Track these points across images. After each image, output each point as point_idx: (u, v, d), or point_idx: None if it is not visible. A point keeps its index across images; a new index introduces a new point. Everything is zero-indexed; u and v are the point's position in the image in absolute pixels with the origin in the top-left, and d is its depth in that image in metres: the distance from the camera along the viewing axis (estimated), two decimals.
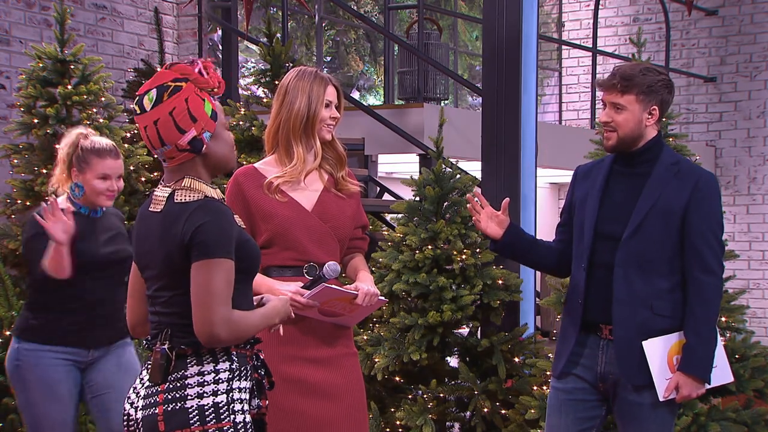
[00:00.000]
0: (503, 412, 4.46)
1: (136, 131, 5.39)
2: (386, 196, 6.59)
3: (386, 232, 5.35)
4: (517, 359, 4.58)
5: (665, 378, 3.13)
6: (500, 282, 4.58)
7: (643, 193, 3.19)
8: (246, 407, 2.46)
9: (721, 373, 3.25)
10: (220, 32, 9.06)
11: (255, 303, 2.59)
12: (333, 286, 3.08)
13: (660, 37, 9.72)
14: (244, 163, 4.43)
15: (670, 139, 4.65)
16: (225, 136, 2.54)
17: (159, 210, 2.46)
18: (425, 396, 4.51)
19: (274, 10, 10.97)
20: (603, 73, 9.95)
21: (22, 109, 5.29)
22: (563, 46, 10.26)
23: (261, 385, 2.55)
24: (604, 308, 3.20)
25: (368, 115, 6.33)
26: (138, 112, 2.46)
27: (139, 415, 2.43)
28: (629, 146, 3.22)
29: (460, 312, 4.44)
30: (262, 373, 2.56)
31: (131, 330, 2.66)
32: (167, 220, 2.42)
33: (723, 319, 4.45)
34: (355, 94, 13.41)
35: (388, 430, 4.58)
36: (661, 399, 3.11)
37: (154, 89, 2.44)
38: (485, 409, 4.42)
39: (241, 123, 5.55)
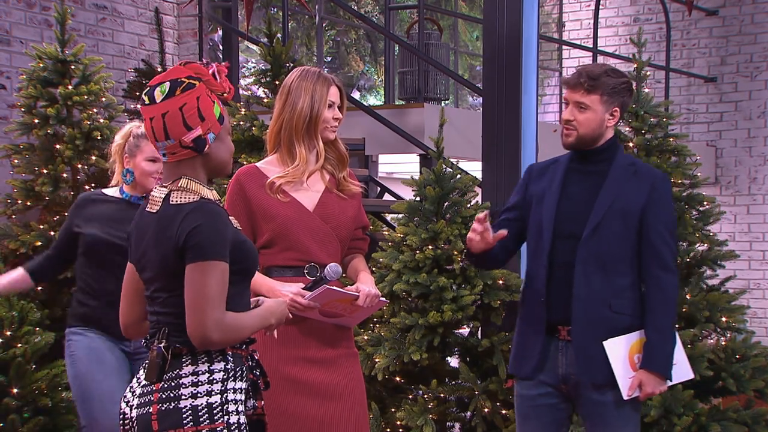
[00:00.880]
0: (504, 412, 4.46)
1: None
2: (387, 196, 6.59)
3: (387, 232, 5.35)
4: None
5: (628, 377, 3.15)
6: (501, 282, 4.58)
7: (601, 192, 3.23)
8: (241, 408, 2.46)
9: (681, 369, 3.27)
10: (220, 32, 9.07)
11: (252, 305, 2.59)
12: (334, 287, 3.08)
13: (660, 37, 9.72)
14: (245, 163, 4.43)
15: (671, 140, 4.65)
16: (227, 142, 2.56)
17: (155, 211, 2.47)
18: (426, 396, 4.51)
19: (275, 10, 10.97)
20: None
21: (22, 110, 5.28)
22: (564, 46, 10.26)
23: (256, 385, 2.55)
24: (563, 307, 3.22)
25: (369, 115, 6.33)
26: (147, 102, 2.45)
27: (134, 413, 2.44)
28: (587, 145, 3.26)
29: (461, 312, 4.44)
30: (258, 373, 2.56)
31: (123, 330, 2.66)
32: (162, 221, 2.43)
33: (723, 319, 4.45)
34: (356, 95, 13.41)
35: (388, 430, 4.58)
36: (625, 398, 3.14)
37: (168, 82, 2.44)
38: (486, 410, 4.42)
39: (241, 123, 5.55)
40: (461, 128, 6.22)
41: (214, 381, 2.43)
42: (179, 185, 2.46)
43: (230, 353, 2.47)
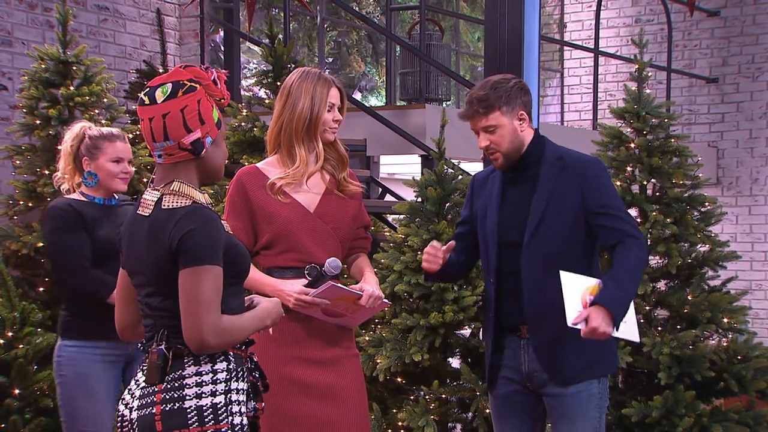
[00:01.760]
0: None
1: (138, 132, 5.38)
2: (388, 197, 6.59)
3: (388, 233, 5.35)
4: None
5: (576, 309, 3.07)
6: None
7: (535, 195, 3.23)
8: (243, 409, 2.46)
9: (629, 329, 3.15)
10: (222, 33, 9.07)
11: (246, 304, 2.58)
12: (338, 284, 3.08)
13: (662, 38, 9.71)
14: (246, 164, 4.43)
15: (673, 140, 4.65)
16: (223, 147, 2.57)
17: (147, 214, 2.46)
18: (427, 397, 4.51)
19: (276, 11, 10.97)
20: (605, 74, 9.95)
21: (24, 111, 5.29)
22: (565, 47, 10.26)
23: (256, 387, 2.55)
24: (518, 312, 3.24)
25: (370, 116, 6.32)
26: (147, 102, 2.45)
27: (134, 415, 2.43)
28: (516, 157, 3.26)
29: (462, 313, 4.44)
30: (257, 375, 2.56)
31: (120, 333, 2.65)
32: (154, 225, 2.42)
33: (725, 320, 4.45)
34: (357, 95, 13.41)
35: (390, 431, 4.58)
36: (569, 325, 3.03)
37: (170, 84, 2.44)
38: (487, 410, 4.42)
39: (242, 124, 5.55)
40: (462, 129, 6.19)
41: (218, 381, 2.42)
42: (172, 189, 2.45)
43: (232, 353, 2.47)
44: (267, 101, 5.62)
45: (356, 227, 3.30)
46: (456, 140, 5.77)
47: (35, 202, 5.20)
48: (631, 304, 3.14)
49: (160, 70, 6.45)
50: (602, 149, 4.73)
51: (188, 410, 2.38)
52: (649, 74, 4.84)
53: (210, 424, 2.38)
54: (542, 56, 7.48)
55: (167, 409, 2.39)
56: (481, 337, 4.68)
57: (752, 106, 9.45)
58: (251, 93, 6.59)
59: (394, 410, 4.60)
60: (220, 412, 2.40)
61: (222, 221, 2.51)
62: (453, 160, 4.90)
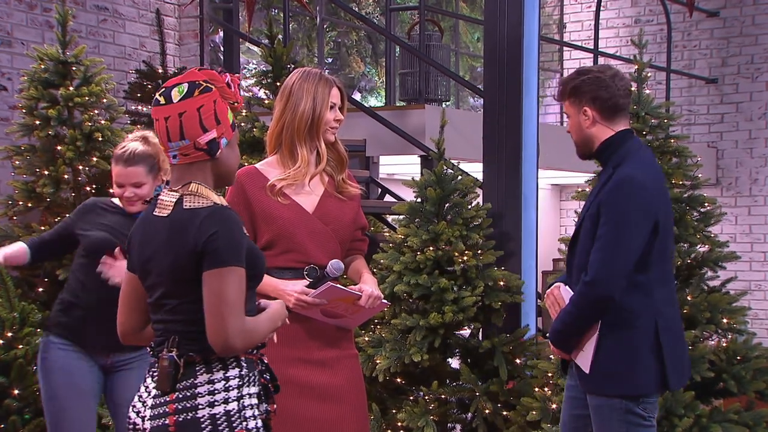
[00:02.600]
0: (505, 413, 4.46)
1: (140, 127, 5.38)
2: (387, 198, 6.59)
3: (387, 234, 5.35)
4: (518, 361, 4.58)
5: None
6: (502, 283, 4.58)
7: (586, 202, 3.22)
8: (256, 413, 2.44)
9: (584, 358, 3.18)
10: (221, 34, 9.07)
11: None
12: (338, 285, 3.08)
13: (661, 38, 9.72)
14: (246, 164, 4.43)
15: (672, 141, 4.65)
16: (236, 150, 2.55)
17: (165, 215, 2.43)
18: (427, 397, 4.51)
19: (276, 11, 10.97)
20: None
21: (23, 111, 5.29)
22: (564, 48, 10.26)
23: (267, 389, 2.53)
24: None
25: (369, 116, 6.33)
26: (162, 102, 2.43)
27: (148, 425, 2.39)
28: (588, 150, 3.20)
29: (462, 313, 4.44)
30: (268, 377, 2.55)
31: (122, 337, 2.61)
32: (176, 226, 2.39)
33: (724, 320, 4.45)
34: (357, 96, 13.41)
35: (389, 431, 4.58)
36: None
37: (186, 84, 2.43)
38: (487, 411, 4.42)
39: (242, 124, 5.55)
40: (462, 129, 6.22)
41: (230, 388, 2.40)
42: (190, 189, 2.44)
43: (243, 359, 2.45)
44: (266, 102, 5.62)
45: (354, 229, 3.31)
46: (455, 141, 5.77)
47: (35, 202, 5.20)
48: (593, 340, 3.11)
49: (160, 71, 6.45)
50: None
51: (202, 419, 2.35)
52: (649, 75, 4.84)
53: (225, 431, 2.36)
54: (542, 57, 7.46)
55: (181, 419, 2.36)
56: (480, 338, 4.68)
57: (752, 106, 9.45)
58: (251, 93, 6.59)
59: (394, 411, 4.61)
60: (233, 419, 2.38)
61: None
62: (452, 161, 4.91)
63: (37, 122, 5.20)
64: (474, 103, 13.27)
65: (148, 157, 3.59)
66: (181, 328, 2.41)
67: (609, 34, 10.08)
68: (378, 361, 4.51)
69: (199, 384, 2.38)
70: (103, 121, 5.27)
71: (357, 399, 3.20)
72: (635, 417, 3.08)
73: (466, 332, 4.73)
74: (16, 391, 4.32)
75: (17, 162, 5.31)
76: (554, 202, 10.24)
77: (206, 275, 2.34)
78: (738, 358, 4.43)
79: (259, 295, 3.00)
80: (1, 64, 6.06)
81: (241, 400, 2.41)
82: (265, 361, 2.56)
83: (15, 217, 5.26)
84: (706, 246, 4.62)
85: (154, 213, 2.48)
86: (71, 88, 5.23)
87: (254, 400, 2.45)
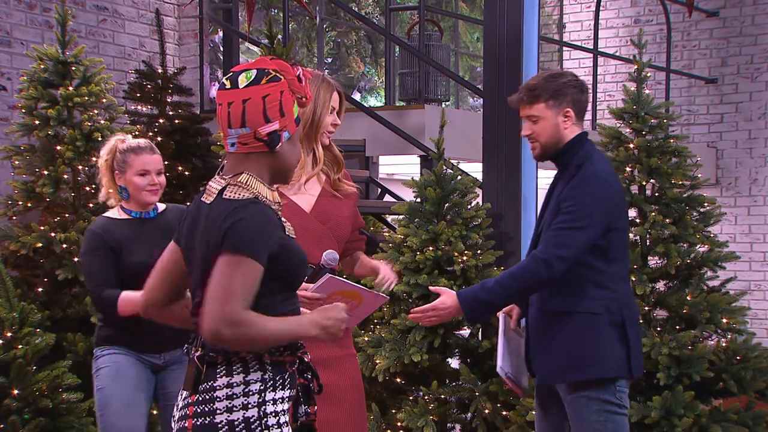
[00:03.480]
0: (504, 413, 4.46)
1: (138, 133, 5.38)
2: (387, 198, 6.59)
3: (387, 234, 5.36)
4: None
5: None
6: None
7: (552, 196, 3.31)
8: (283, 419, 2.33)
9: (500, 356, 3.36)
10: (221, 34, 9.07)
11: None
12: (338, 277, 3.08)
13: (661, 38, 9.72)
14: None
15: (672, 141, 4.65)
16: (298, 147, 2.45)
17: (209, 202, 2.34)
18: (426, 397, 4.51)
19: (275, 11, 10.97)
20: (604, 74, 9.95)
21: (23, 111, 5.28)
22: (564, 48, 10.26)
23: (308, 390, 2.44)
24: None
25: (369, 116, 6.33)
26: (228, 86, 2.35)
27: (175, 427, 2.34)
28: (552, 152, 3.31)
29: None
30: (309, 377, 2.44)
31: (143, 309, 2.50)
32: (211, 214, 2.31)
33: (724, 320, 4.45)
34: (356, 96, 13.41)
35: (389, 431, 4.58)
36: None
37: (255, 70, 2.35)
38: (486, 411, 4.42)
39: None
40: (462, 129, 6.22)
41: (250, 393, 2.30)
42: (239, 180, 2.33)
43: (269, 361, 2.33)
44: None
45: (353, 228, 3.31)
46: (455, 141, 5.78)
47: (34, 202, 5.20)
48: (522, 343, 3.37)
49: (159, 71, 6.45)
50: (601, 150, 4.73)
51: (219, 425, 2.27)
52: (648, 75, 4.84)
53: None
54: (541, 57, 7.46)
55: (198, 423, 2.28)
56: (480, 338, 4.68)
57: (751, 106, 9.45)
58: None
59: (393, 410, 4.61)
60: (253, 426, 2.28)
61: (285, 224, 2.40)
62: (452, 161, 4.91)
63: (37, 122, 5.20)
64: (474, 103, 13.27)
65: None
66: None
67: (609, 34, 10.08)
68: (378, 361, 4.51)
69: (218, 387, 2.29)
70: (102, 121, 5.27)
71: (356, 399, 3.20)
72: (611, 405, 3.23)
73: (465, 332, 4.73)
74: (15, 391, 4.31)
75: (17, 162, 5.30)
76: None
77: (219, 259, 2.24)
78: (738, 358, 4.43)
79: None
80: (1, 64, 6.05)
81: (263, 407, 2.30)
82: (306, 360, 2.45)
83: (15, 217, 5.26)
84: (706, 246, 4.62)
85: (201, 199, 2.39)
86: (71, 88, 5.22)
87: (282, 406, 2.34)
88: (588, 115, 9.75)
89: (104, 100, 5.33)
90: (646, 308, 4.49)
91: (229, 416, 2.28)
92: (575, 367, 3.22)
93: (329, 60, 13.98)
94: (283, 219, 2.42)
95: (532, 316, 3.35)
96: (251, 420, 2.28)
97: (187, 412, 2.30)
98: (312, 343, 3.14)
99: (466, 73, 13.44)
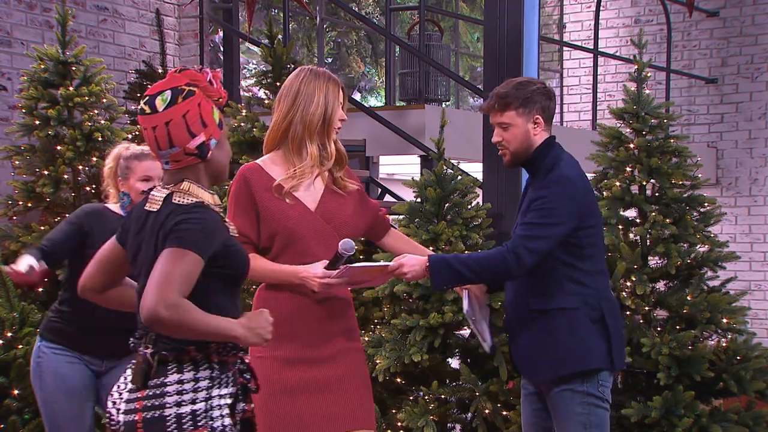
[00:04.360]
0: (505, 413, 4.46)
1: (137, 133, 5.39)
2: (387, 198, 6.59)
3: None
4: None
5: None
6: None
7: (523, 201, 3.38)
8: (226, 412, 2.47)
9: (483, 329, 3.42)
10: (221, 34, 9.07)
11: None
12: (356, 265, 3.10)
13: (661, 38, 9.72)
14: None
15: (672, 141, 4.65)
16: (226, 146, 2.61)
17: (155, 210, 2.48)
18: (426, 397, 4.51)
19: (276, 11, 10.97)
20: (604, 74, 9.96)
21: (23, 111, 5.29)
22: (564, 48, 10.26)
23: (246, 389, 2.56)
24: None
25: (369, 116, 6.33)
26: (148, 112, 2.47)
27: (120, 418, 2.45)
28: (523, 158, 3.37)
29: (461, 313, 4.44)
30: (248, 377, 2.57)
31: (80, 290, 2.67)
32: (158, 219, 2.44)
33: (724, 320, 4.45)
34: (357, 96, 13.42)
35: (389, 431, 4.58)
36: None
37: (168, 91, 2.46)
38: (486, 411, 4.42)
39: (242, 125, 5.55)
40: (462, 129, 6.22)
41: (199, 389, 2.44)
42: (182, 187, 2.49)
43: (216, 360, 2.48)
44: (266, 102, 5.62)
45: (368, 215, 3.33)
46: (455, 141, 5.78)
47: (34, 202, 5.20)
48: (488, 317, 3.44)
49: (160, 71, 6.45)
50: (601, 150, 4.73)
51: (168, 418, 2.40)
52: (649, 75, 4.84)
53: (189, 428, 2.40)
54: (541, 57, 7.48)
55: (148, 416, 2.40)
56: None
57: (751, 106, 9.45)
58: (251, 93, 6.59)
59: (394, 410, 4.61)
60: (198, 417, 2.41)
61: (227, 224, 2.53)
62: (452, 161, 4.90)
63: (37, 122, 5.20)
64: (474, 103, 13.28)
65: None
66: None
67: (609, 34, 10.08)
68: (378, 361, 4.51)
69: (168, 383, 2.42)
70: (102, 121, 5.27)
71: (361, 387, 3.20)
72: (594, 398, 3.28)
73: (465, 332, 4.72)
74: (16, 391, 4.32)
75: (17, 162, 5.31)
76: None
77: (163, 251, 2.35)
78: (738, 358, 4.43)
79: (280, 283, 3.09)
80: (1, 64, 6.06)
81: (210, 401, 2.44)
82: (246, 361, 2.58)
83: (15, 217, 5.26)
84: (706, 246, 4.62)
85: (144, 208, 2.52)
86: (71, 88, 5.23)
87: (225, 401, 2.47)
88: (588, 116, 9.80)
89: (104, 100, 5.33)
90: (647, 308, 4.49)
91: (178, 410, 2.41)
92: (558, 361, 3.27)
93: (329, 60, 13.98)
94: (226, 221, 2.56)
95: (512, 316, 3.40)
96: (198, 412, 2.42)
97: (136, 405, 2.42)
98: (321, 340, 3.16)
99: (467, 73, 13.44)
